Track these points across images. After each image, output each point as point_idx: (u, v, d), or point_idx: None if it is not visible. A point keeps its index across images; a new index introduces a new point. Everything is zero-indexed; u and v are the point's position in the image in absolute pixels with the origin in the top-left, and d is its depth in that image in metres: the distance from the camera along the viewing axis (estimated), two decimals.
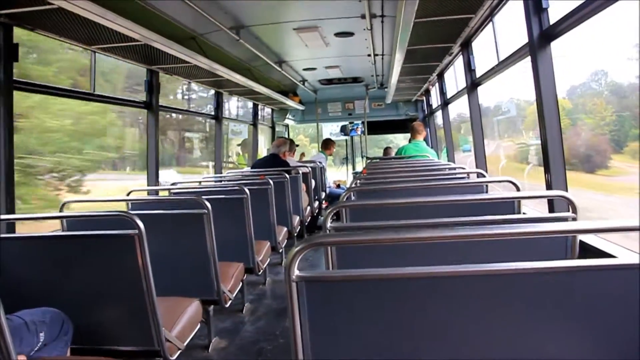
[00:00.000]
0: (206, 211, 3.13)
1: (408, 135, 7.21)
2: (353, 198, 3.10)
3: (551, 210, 3.07)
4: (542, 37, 2.99)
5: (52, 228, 3.53)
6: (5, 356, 1.60)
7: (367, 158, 8.34)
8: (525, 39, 3.25)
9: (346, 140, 11.43)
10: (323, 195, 8.32)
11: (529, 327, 1.31)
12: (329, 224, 2.11)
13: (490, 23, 4.17)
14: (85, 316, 2.43)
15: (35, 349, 2.12)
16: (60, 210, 3.20)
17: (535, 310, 1.30)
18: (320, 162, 8.16)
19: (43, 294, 2.44)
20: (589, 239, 2.61)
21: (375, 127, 10.44)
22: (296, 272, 1.33)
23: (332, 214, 2.16)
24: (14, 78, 3.15)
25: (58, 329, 2.26)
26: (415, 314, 1.35)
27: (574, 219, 2.02)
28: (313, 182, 7.31)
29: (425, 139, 7.24)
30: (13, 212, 3.16)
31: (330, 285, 1.36)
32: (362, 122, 10.20)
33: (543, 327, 1.31)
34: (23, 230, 3.31)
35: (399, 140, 13.02)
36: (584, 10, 2.47)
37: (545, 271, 1.30)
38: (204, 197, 3.21)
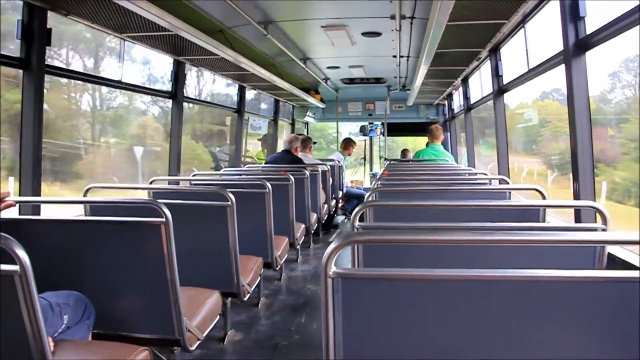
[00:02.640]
0: (230, 204, 3.13)
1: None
2: (376, 199, 3.08)
3: (578, 220, 3.04)
4: (577, 46, 2.95)
5: None
6: (36, 337, 1.62)
7: (386, 159, 8.32)
8: (554, 49, 3.23)
9: (365, 140, 11.40)
10: (340, 194, 8.30)
11: (553, 335, 1.31)
12: (357, 223, 2.10)
13: (522, 30, 4.13)
14: (108, 301, 2.44)
15: (59, 331, 2.14)
16: (84, 195, 3.21)
17: (559, 319, 1.31)
18: (338, 161, 8.16)
19: (66, 277, 2.44)
20: (619, 251, 2.58)
21: (395, 129, 10.41)
22: (333, 269, 1.32)
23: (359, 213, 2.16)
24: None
25: (81, 312, 2.27)
26: (447, 316, 1.35)
27: (604, 230, 1.99)
28: (330, 180, 7.30)
29: (444, 143, 7.21)
30: (39, 195, 3.19)
31: (367, 283, 1.36)
32: (382, 124, 10.16)
33: (567, 335, 1.31)
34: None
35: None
36: (624, 22, 2.44)
37: (572, 280, 1.30)
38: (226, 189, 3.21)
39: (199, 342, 2.63)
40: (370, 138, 11.13)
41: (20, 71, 3.09)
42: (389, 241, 1.57)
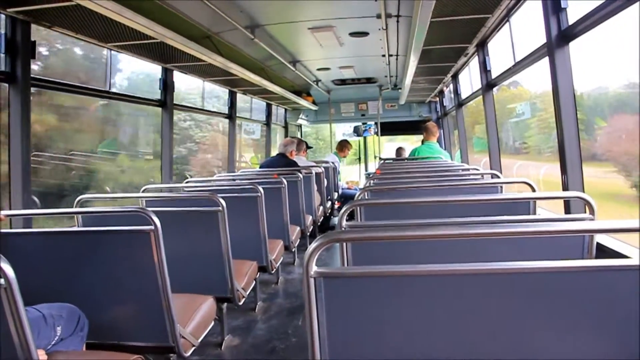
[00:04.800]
0: (221, 209, 3.14)
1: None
2: (367, 198, 3.08)
3: (567, 212, 3.04)
4: (560, 38, 2.96)
5: None
6: (24, 349, 1.61)
7: (380, 159, 8.31)
8: (540, 41, 3.23)
9: (359, 141, 11.40)
10: (335, 195, 8.30)
11: (545, 326, 1.31)
12: (344, 222, 2.10)
13: (507, 23, 4.14)
14: (101, 312, 2.44)
15: (52, 342, 2.13)
16: (76, 206, 3.21)
17: (551, 309, 1.30)
18: (333, 163, 8.15)
19: (59, 289, 2.45)
20: (606, 240, 2.58)
21: (389, 128, 10.40)
22: (314, 268, 1.32)
23: (347, 212, 2.16)
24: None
25: (74, 324, 2.27)
26: (434, 312, 1.35)
27: (592, 220, 2.00)
28: (325, 182, 7.30)
29: (439, 140, 7.20)
30: (29, 208, 3.19)
31: (349, 281, 1.36)
32: (375, 123, 10.16)
33: (559, 326, 1.31)
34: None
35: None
36: (604, 10, 2.45)
37: (561, 271, 1.30)
38: (217, 195, 3.21)
39: (193, 348, 2.63)
40: (365, 138, 11.13)
41: None
42: (370, 238, 1.56)
